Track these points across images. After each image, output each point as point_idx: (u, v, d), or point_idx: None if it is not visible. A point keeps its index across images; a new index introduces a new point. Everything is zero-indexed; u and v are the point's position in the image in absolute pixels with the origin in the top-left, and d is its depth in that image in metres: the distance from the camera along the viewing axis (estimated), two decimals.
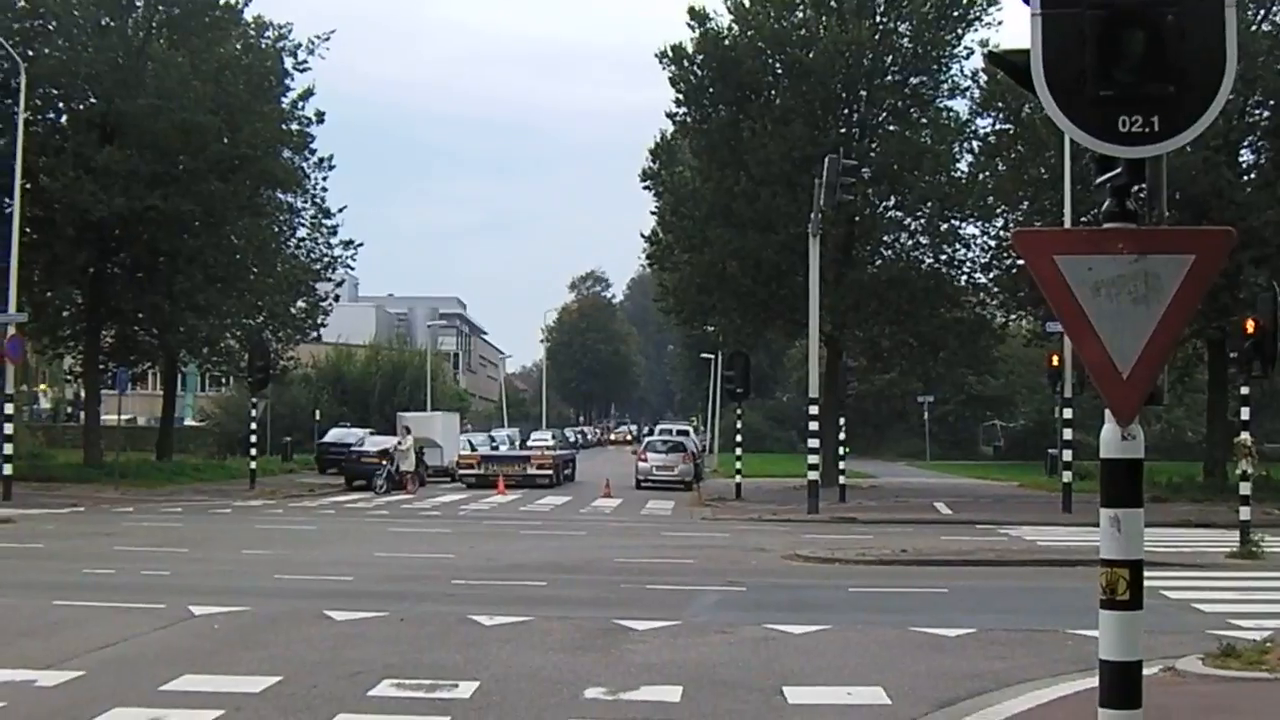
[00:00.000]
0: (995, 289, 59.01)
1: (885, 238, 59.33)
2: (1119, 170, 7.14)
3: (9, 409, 45.59)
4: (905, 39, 56.53)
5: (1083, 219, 40.36)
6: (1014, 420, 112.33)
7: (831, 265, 52.52)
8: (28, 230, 50.77)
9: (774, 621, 18.12)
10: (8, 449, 44.75)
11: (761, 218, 54.05)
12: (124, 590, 21.04)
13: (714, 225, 56.47)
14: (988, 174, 56.52)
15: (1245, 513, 29.55)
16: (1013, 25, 56.27)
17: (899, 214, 59.11)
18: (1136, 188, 7.18)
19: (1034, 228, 36.62)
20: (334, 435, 67.82)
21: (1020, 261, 47.09)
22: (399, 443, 57.44)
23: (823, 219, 43.47)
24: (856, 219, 56.40)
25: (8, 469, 44.39)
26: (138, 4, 56.66)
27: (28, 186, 49.09)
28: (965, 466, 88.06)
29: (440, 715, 12.13)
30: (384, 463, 56.29)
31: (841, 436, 52.05)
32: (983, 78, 55.26)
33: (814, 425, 43.82)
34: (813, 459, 43.61)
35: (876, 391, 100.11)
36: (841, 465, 50.85)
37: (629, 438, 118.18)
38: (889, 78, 56.65)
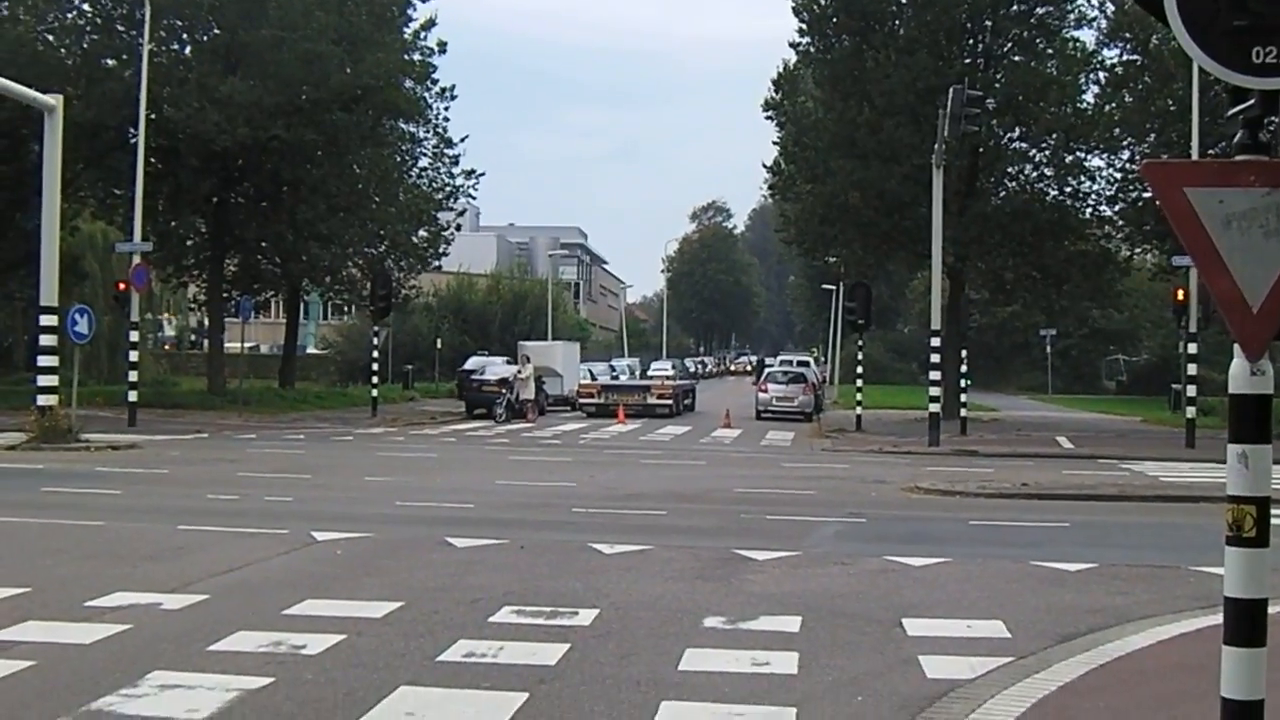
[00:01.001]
0: (1120, 222, 58.52)
1: (1009, 169, 58.60)
2: (1252, 102, 7.00)
3: (134, 337, 46.20)
4: None
5: (1210, 151, 39.92)
6: (1137, 355, 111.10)
7: (955, 197, 52.13)
8: (153, 160, 52.16)
9: (894, 553, 18.05)
10: (133, 376, 45.50)
11: (884, 148, 53.33)
12: (247, 516, 21.38)
13: (836, 156, 55.75)
14: (1114, 105, 55.69)
15: None
16: None
17: (1024, 145, 58.24)
18: (1270, 120, 7.06)
19: (1164, 159, 36.22)
20: (474, 364, 66.71)
21: (1146, 194, 47.11)
22: (519, 371, 57.53)
23: (946, 150, 42.96)
24: (980, 150, 55.62)
25: (133, 396, 45.21)
26: None
27: (152, 117, 49.39)
28: (1087, 401, 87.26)
29: (560, 642, 12.16)
30: (504, 391, 56.40)
31: (963, 369, 51.50)
32: (1110, 7, 55.08)
33: (935, 358, 43.61)
34: (934, 391, 43.45)
35: (998, 324, 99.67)
36: (963, 398, 50.40)
37: (749, 368, 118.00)
38: (1015, 7, 55.64)
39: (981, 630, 13.12)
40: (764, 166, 63.75)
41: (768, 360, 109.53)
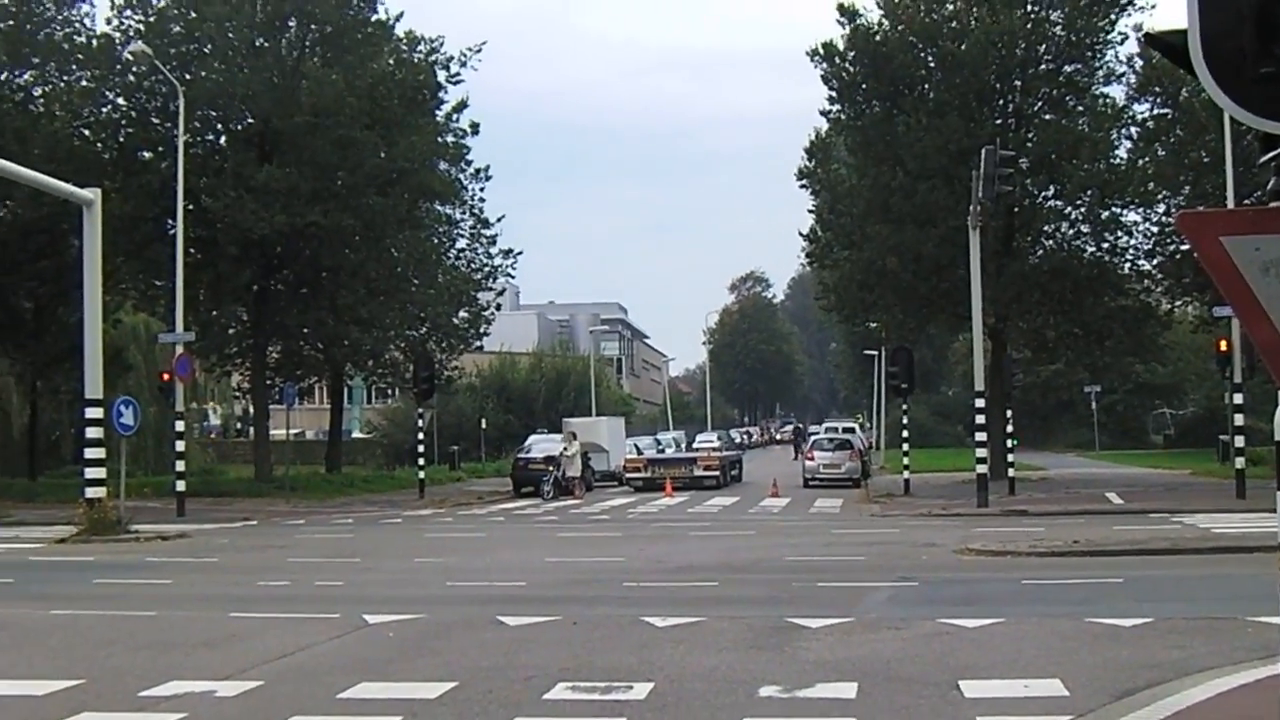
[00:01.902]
0: (1160, 275, 58.52)
1: (1046, 227, 58.25)
2: None
3: (180, 426, 46.46)
4: (1058, 26, 55.30)
5: (1246, 200, 39.80)
6: (1183, 407, 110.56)
7: (992, 257, 51.83)
8: (192, 251, 52.55)
9: (948, 616, 17.92)
10: (180, 466, 45.64)
11: (920, 212, 53.45)
12: (298, 601, 21.47)
13: (872, 221, 55.89)
14: (1147, 159, 55.46)
15: None
16: (1166, 7, 55.37)
17: (1059, 203, 58.09)
18: None
19: (1198, 209, 36.26)
20: (533, 442, 65.17)
21: (1184, 246, 47.20)
22: (564, 449, 57.34)
23: (981, 211, 42.82)
24: (1016, 210, 55.41)
25: (181, 485, 45.27)
26: (290, 24, 57.13)
27: (190, 207, 49.97)
28: (1135, 456, 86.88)
29: (616, 717, 12.15)
30: (551, 469, 56.25)
31: (1009, 429, 51.55)
32: (1138, 62, 54.79)
33: (981, 419, 43.50)
34: (981, 452, 43.34)
35: (1043, 383, 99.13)
36: (1010, 458, 50.33)
37: (799, 435, 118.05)
38: (1043, 66, 55.69)
39: (1039, 689, 13.01)
40: (800, 235, 63.64)
41: (811, 428, 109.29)
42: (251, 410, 69.99)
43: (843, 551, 28.87)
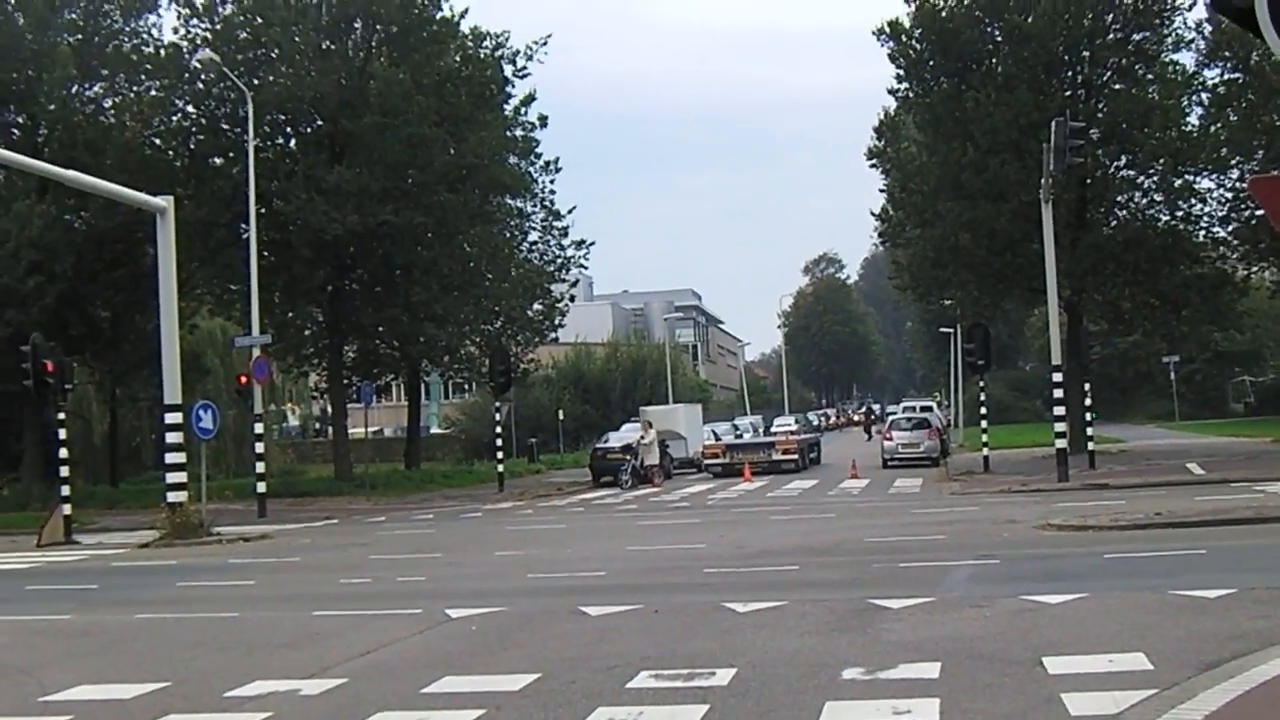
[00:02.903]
0: (1235, 241, 58.07)
1: (1119, 198, 58.00)
2: None
3: (259, 429, 47.13)
4: None
5: None
6: (1263, 375, 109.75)
7: (1066, 230, 51.76)
8: (265, 254, 53.06)
9: (1030, 592, 17.78)
10: (260, 467, 46.28)
11: (991, 187, 53.46)
12: (381, 598, 21.58)
13: (943, 198, 55.86)
14: (1219, 125, 55.09)
15: None
16: None
17: (1131, 173, 57.72)
18: None
19: (1270, 174, 35.90)
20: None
21: (1259, 212, 46.35)
22: (641, 437, 57.36)
23: (1053, 184, 42.80)
24: (1088, 181, 55.23)
25: (262, 487, 45.88)
26: (356, 25, 57.23)
27: (262, 211, 50.33)
28: (1215, 425, 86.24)
29: (699, 703, 12.11)
30: (629, 457, 56.46)
31: (1087, 402, 51.06)
32: (1207, 28, 54.15)
33: (1058, 393, 43.35)
34: (1060, 427, 43.11)
35: (1120, 355, 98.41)
36: (1089, 431, 49.91)
37: (870, 417, 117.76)
38: (1111, 36, 55.21)
39: (1123, 664, 12.95)
40: (872, 214, 63.83)
41: (889, 408, 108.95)
42: (330, 410, 69.73)
43: (923, 531, 28.64)
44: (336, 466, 60.91)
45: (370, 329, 60.64)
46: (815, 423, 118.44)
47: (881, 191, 63.64)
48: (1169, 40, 56.23)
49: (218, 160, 56.89)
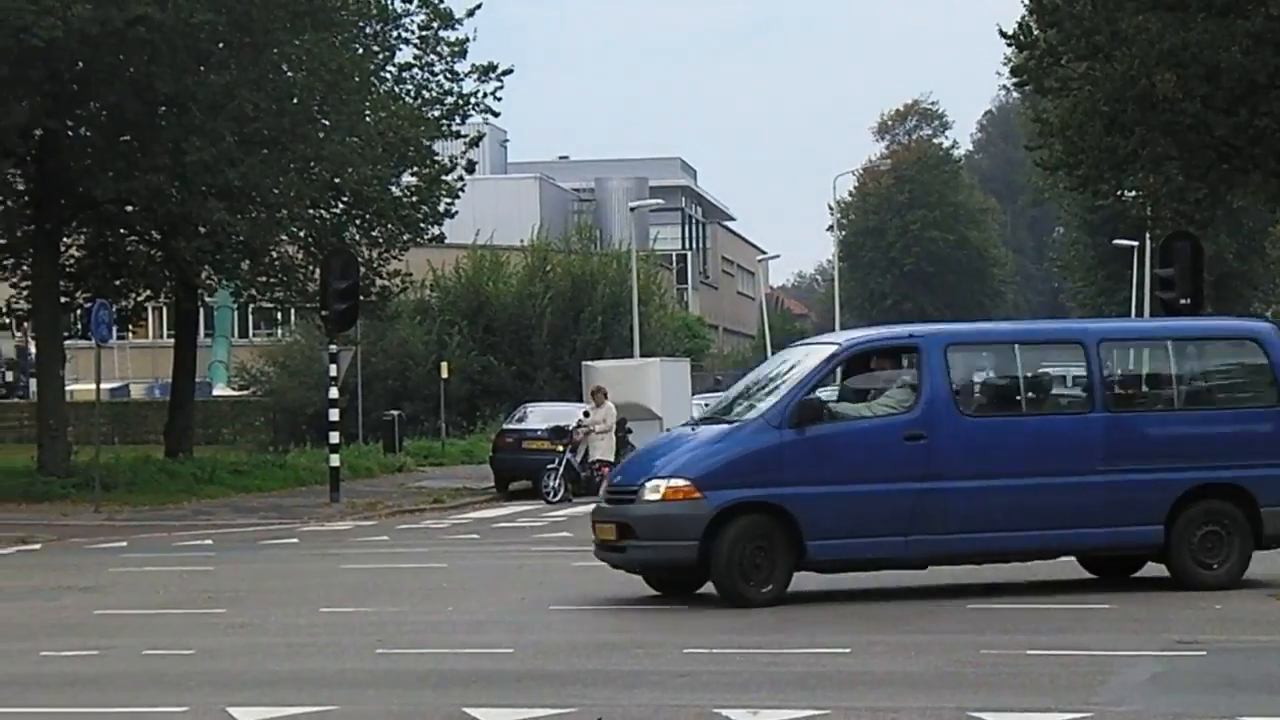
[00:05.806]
0: None
1: None
2: None
3: None
4: None
5: None
6: None
7: None
8: None
9: (1260, 711, 12.19)
10: None
11: None
12: (112, 685, 15.14)
13: (1132, 9, 41.87)
14: None
15: None
16: None
17: None
18: None
19: None
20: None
21: None
22: (585, 414, 45.31)
23: None
24: None
25: None
26: None
27: None
28: None
29: None
30: (561, 449, 44.34)
31: None
32: None
33: None
34: None
35: None
36: None
37: None
38: None
39: None
40: (1002, 35, 46.67)
41: None
42: (33, 350, 58.41)
43: (1071, 593, 20.17)
44: (41, 449, 46.51)
45: (111, 208, 46.07)
46: None
47: None
48: None
49: None
